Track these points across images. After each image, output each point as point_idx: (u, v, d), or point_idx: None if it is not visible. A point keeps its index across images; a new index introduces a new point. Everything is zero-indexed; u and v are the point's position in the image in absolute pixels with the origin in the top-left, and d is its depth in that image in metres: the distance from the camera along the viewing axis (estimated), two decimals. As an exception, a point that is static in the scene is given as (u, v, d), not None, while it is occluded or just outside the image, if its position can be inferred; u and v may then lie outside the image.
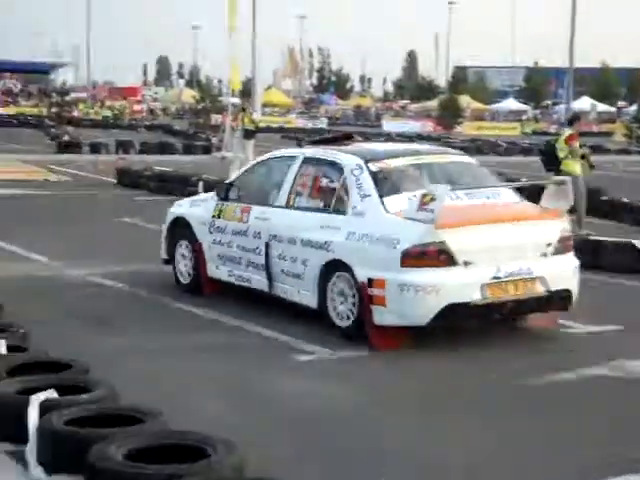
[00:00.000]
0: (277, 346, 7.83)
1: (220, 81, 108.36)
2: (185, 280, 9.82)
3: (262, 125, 36.25)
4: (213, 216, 9.52)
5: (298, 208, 8.61)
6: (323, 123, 66.18)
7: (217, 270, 9.46)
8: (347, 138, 9.70)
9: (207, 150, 32.54)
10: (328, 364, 7.38)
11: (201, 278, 9.59)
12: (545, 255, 8.04)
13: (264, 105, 63.86)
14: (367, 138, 42.69)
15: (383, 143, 17.93)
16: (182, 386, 6.68)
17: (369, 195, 8.03)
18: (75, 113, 67.32)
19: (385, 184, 8.15)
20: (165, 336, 8.07)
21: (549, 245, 8.07)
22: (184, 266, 9.82)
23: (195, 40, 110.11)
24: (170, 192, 19.02)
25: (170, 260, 10.08)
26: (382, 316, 7.60)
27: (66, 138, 35.63)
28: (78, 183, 21.72)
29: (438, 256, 7.53)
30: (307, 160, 8.83)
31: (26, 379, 5.64)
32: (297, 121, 67.36)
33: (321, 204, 8.44)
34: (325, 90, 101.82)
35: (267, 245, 8.71)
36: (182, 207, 10.32)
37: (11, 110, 75.07)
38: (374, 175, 8.17)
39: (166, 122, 59.35)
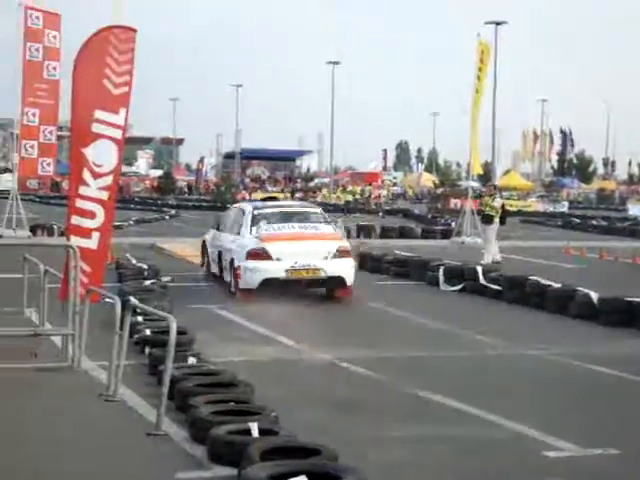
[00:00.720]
0: (523, 441, 7.59)
1: (459, 165, 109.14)
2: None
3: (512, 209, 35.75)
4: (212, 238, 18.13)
5: (230, 233, 16.80)
6: (564, 207, 64.68)
7: (212, 267, 17.71)
8: (272, 199, 19.24)
9: (446, 235, 32.55)
10: (581, 462, 7.06)
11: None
12: (326, 258, 15.46)
13: (503, 189, 63.41)
14: (610, 222, 41.68)
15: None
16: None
17: (247, 225, 16.05)
18: (318, 198, 69.66)
19: (257, 220, 16.03)
20: (409, 426, 8.03)
21: (330, 252, 15.52)
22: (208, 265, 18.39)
23: (434, 125, 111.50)
24: (410, 277, 19.21)
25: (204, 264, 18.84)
26: (240, 283, 15.33)
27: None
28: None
29: (262, 254, 15.29)
30: (238, 208, 18.06)
31: (278, 464, 5.76)
32: (537, 205, 66.24)
33: (236, 230, 16.48)
34: (566, 173, 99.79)
35: (219, 252, 17.03)
36: (206, 235, 18.75)
37: (259, 196, 78.64)
38: (254, 216, 16.23)
39: (405, 206, 60.13)
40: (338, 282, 15.60)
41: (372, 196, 60.80)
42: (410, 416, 8.39)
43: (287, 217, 16.47)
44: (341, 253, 15.59)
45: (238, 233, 16.15)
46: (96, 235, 10.24)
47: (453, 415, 8.41)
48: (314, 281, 15.55)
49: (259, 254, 15.21)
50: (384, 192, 66.34)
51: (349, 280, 15.64)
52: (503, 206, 20.53)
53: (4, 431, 7.40)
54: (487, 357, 11.29)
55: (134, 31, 10.35)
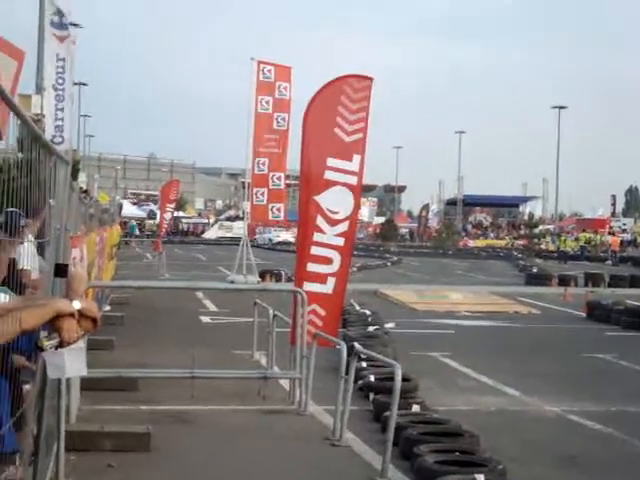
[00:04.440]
0: None
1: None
2: None
3: None
4: None
5: None
6: None
7: None
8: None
9: (681, 284, 30.88)
10: None
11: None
12: None
13: None
14: None
15: None
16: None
17: None
18: (543, 245, 68.14)
19: None
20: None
21: None
22: None
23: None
24: (643, 328, 18.36)
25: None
26: None
27: (535, 270, 36.09)
28: (547, 316, 21.74)
29: None
30: None
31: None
32: None
33: None
34: None
35: None
36: None
37: (480, 243, 78.05)
38: None
39: (637, 254, 57.67)
40: None
41: (607, 243, 58.65)
42: (645, 475, 7.96)
43: None
44: None
45: None
46: (332, 280, 10.31)
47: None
48: None
49: None
50: (618, 239, 63.68)
51: None
52: None
53: (233, 470, 7.62)
54: None
55: (371, 80, 10.52)
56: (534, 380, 12.47)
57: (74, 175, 9.26)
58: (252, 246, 30.82)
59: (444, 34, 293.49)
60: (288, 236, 65.96)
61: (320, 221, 10.20)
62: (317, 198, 10.18)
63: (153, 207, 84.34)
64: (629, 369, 13.83)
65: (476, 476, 6.47)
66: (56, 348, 3.13)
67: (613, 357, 14.76)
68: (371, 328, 15.28)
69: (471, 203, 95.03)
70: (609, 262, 49.93)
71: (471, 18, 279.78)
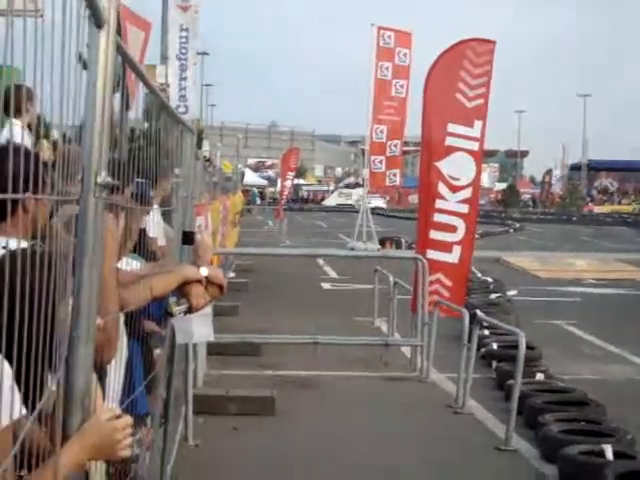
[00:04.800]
0: None
1: None
2: None
3: None
4: None
5: None
6: None
7: None
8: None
9: None
10: None
11: None
12: None
13: None
14: None
15: None
16: None
17: None
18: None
19: None
20: None
21: None
22: None
23: None
24: None
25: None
26: None
27: (663, 237, 34.95)
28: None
29: None
30: None
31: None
32: None
33: None
34: None
35: None
36: None
37: (606, 208, 76.04)
38: None
39: None
40: None
41: None
42: None
43: None
44: None
45: None
46: (457, 249, 10.18)
47: None
48: None
49: None
50: None
51: None
52: None
53: (356, 436, 7.69)
54: None
55: (493, 43, 10.31)
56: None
57: (198, 144, 9.44)
58: (374, 214, 30.80)
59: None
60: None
61: (441, 187, 10.08)
62: (438, 164, 10.08)
63: (272, 174, 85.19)
64: None
65: (603, 446, 6.33)
66: (185, 314, 3.21)
67: None
68: (493, 296, 15.12)
69: (596, 168, 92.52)
70: None
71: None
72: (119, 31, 2.20)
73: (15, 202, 2.10)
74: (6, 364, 1.89)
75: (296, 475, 6.69)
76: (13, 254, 1.97)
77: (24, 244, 2.04)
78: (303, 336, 10.34)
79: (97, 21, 2.00)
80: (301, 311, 14.47)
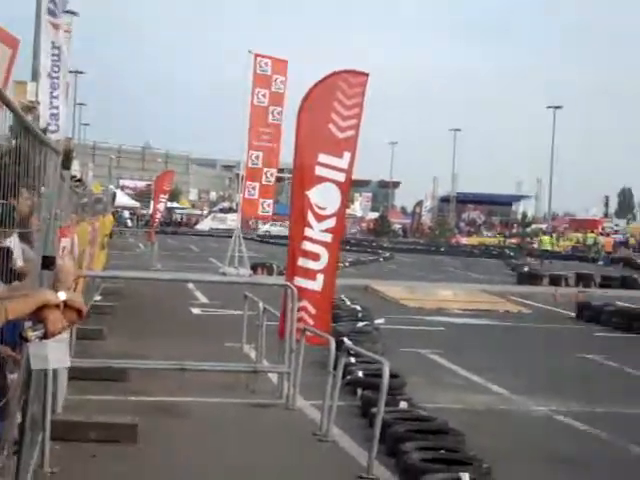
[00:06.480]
0: None
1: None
2: None
3: None
4: None
5: None
6: None
7: None
8: None
9: (672, 286, 30.95)
10: None
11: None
12: None
13: None
14: None
15: None
16: None
17: None
18: (535, 245, 68.15)
19: None
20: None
21: None
22: None
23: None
24: (632, 329, 18.38)
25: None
26: None
27: (526, 269, 36.14)
28: (537, 315, 21.77)
29: None
30: None
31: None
32: None
33: None
34: None
35: None
36: None
37: (473, 240, 78.10)
38: None
39: (627, 255, 57.76)
40: None
41: (600, 245, 58.53)
42: (628, 475, 7.98)
43: None
44: None
45: None
46: (320, 277, 10.28)
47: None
48: None
49: None
50: (612, 240, 63.41)
51: None
52: None
53: (219, 463, 7.62)
54: None
55: (366, 75, 10.47)
56: (523, 379, 12.50)
57: (67, 164, 9.22)
58: (244, 239, 30.82)
59: (445, 35, 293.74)
60: (280, 229, 66.11)
61: (310, 216, 10.21)
62: (307, 193, 10.20)
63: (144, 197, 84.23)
64: (618, 370, 13.86)
65: (461, 475, 6.47)
66: (40, 339, 3.13)
67: (602, 358, 14.78)
68: (361, 324, 15.28)
69: (464, 200, 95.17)
70: (601, 263, 50.00)
71: (471, 19, 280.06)
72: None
73: None
74: None
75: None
76: None
77: None
78: (170, 362, 10.20)
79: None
80: (170, 336, 14.30)
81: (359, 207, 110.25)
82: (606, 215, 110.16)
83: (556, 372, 13.53)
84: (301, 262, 10.25)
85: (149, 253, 33.40)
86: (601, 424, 9.75)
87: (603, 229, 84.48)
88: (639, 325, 18.29)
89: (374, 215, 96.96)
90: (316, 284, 10.25)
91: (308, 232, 10.21)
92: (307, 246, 10.23)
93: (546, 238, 67.65)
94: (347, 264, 36.00)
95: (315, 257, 10.24)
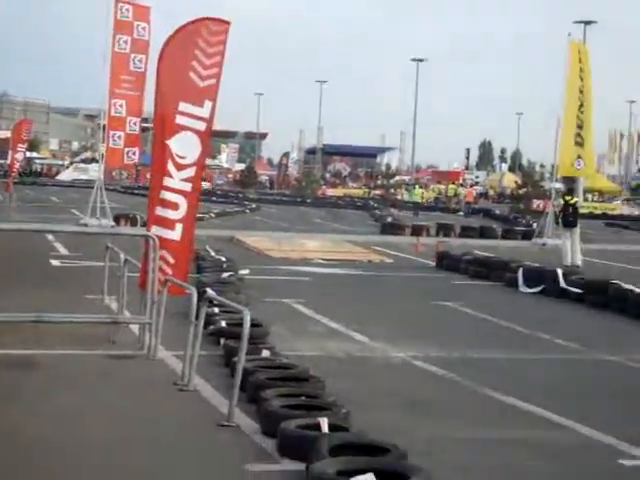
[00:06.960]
0: (598, 447, 7.44)
1: (542, 166, 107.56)
2: None
3: (584, 211, 35.22)
4: None
5: None
6: (650, 210, 63.31)
7: None
8: None
9: (527, 236, 32.16)
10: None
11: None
12: None
13: (588, 191, 62.30)
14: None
15: None
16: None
17: None
18: (398, 196, 69.35)
19: None
20: (481, 428, 7.93)
21: None
22: None
23: (518, 125, 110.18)
24: (489, 277, 19.02)
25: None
26: None
27: (390, 220, 36.81)
28: (399, 265, 22.26)
29: None
30: None
31: (347, 460, 5.75)
32: (622, 208, 64.99)
33: None
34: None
35: None
36: None
37: (339, 192, 78.77)
38: None
39: (486, 206, 59.54)
40: None
41: (461, 196, 59.97)
42: (482, 418, 8.30)
43: None
44: None
45: None
46: (179, 227, 10.20)
47: (526, 419, 8.29)
48: None
49: None
50: (474, 192, 64.98)
51: None
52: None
53: (75, 418, 7.53)
54: (565, 362, 11.11)
55: (227, 23, 10.32)
56: (383, 327, 12.77)
57: None
58: (107, 189, 30.23)
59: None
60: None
61: (169, 166, 10.10)
62: (168, 142, 10.07)
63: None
64: (473, 316, 14.34)
65: (320, 419, 6.59)
66: None
67: (459, 305, 15.26)
68: (225, 274, 15.28)
69: (330, 152, 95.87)
70: (461, 213, 51.37)
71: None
72: None
73: None
74: None
75: (16, 456, 6.44)
76: None
77: None
78: (24, 314, 9.96)
79: None
80: (27, 288, 13.96)
81: (226, 158, 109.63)
82: (467, 167, 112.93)
83: (415, 319, 13.90)
84: (160, 211, 10.15)
85: (6, 204, 32.40)
86: (457, 369, 10.08)
87: (464, 181, 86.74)
88: (495, 273, 18.93)
89: (241, 166, 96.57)
90: (175, 234, 10.17)
91: (168, 181, 10.10)
92: (166, 195, 10.13)
93: (418, 190, 69.02)
94: (213, 215, 35.84)
95: (174, 206, 10.14)
